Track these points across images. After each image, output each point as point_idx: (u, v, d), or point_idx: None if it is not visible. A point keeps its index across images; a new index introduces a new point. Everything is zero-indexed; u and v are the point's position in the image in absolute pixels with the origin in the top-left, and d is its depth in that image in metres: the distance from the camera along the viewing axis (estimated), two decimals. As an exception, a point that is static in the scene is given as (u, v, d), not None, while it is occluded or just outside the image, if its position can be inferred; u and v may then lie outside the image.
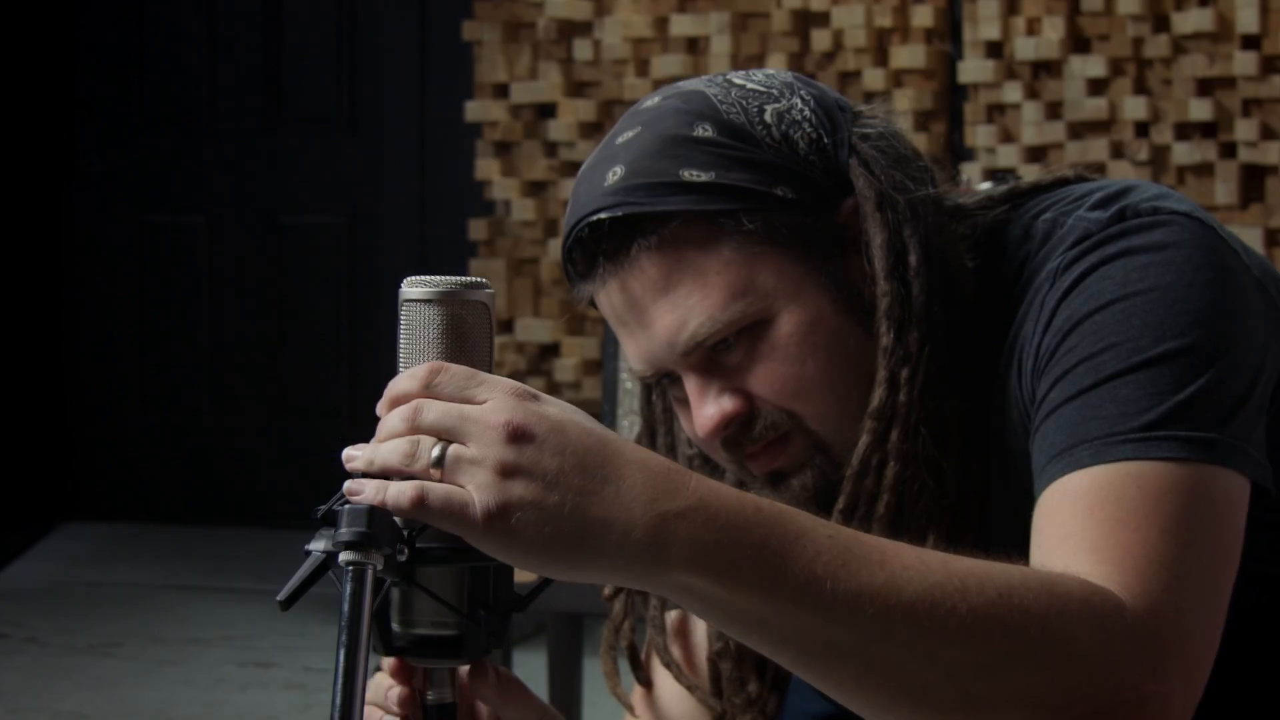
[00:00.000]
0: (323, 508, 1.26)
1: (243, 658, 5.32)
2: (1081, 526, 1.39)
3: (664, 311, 1.56)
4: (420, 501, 1.22)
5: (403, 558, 1.24)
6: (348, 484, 1.25)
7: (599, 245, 1.56)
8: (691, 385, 1.58)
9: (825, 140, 1.58)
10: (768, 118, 1.57)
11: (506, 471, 1.22)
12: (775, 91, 1.59)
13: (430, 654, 1.31)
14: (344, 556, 1.22)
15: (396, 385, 1.26)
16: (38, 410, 7.00)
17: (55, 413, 7.06)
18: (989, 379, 1.57)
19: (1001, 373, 1.56)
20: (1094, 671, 1.31)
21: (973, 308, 1.58)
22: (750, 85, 1.59)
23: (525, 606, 1.31)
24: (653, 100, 1.60)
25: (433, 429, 1.24)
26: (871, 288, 1.57)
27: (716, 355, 1.57)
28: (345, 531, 1.22)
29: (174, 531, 6.84)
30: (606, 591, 1.70)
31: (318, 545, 1.25)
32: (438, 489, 1.22)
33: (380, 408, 1.28)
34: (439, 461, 1.23)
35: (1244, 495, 1.44)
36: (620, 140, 1.58)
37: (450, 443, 1.23)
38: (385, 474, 1.24)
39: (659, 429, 1.72)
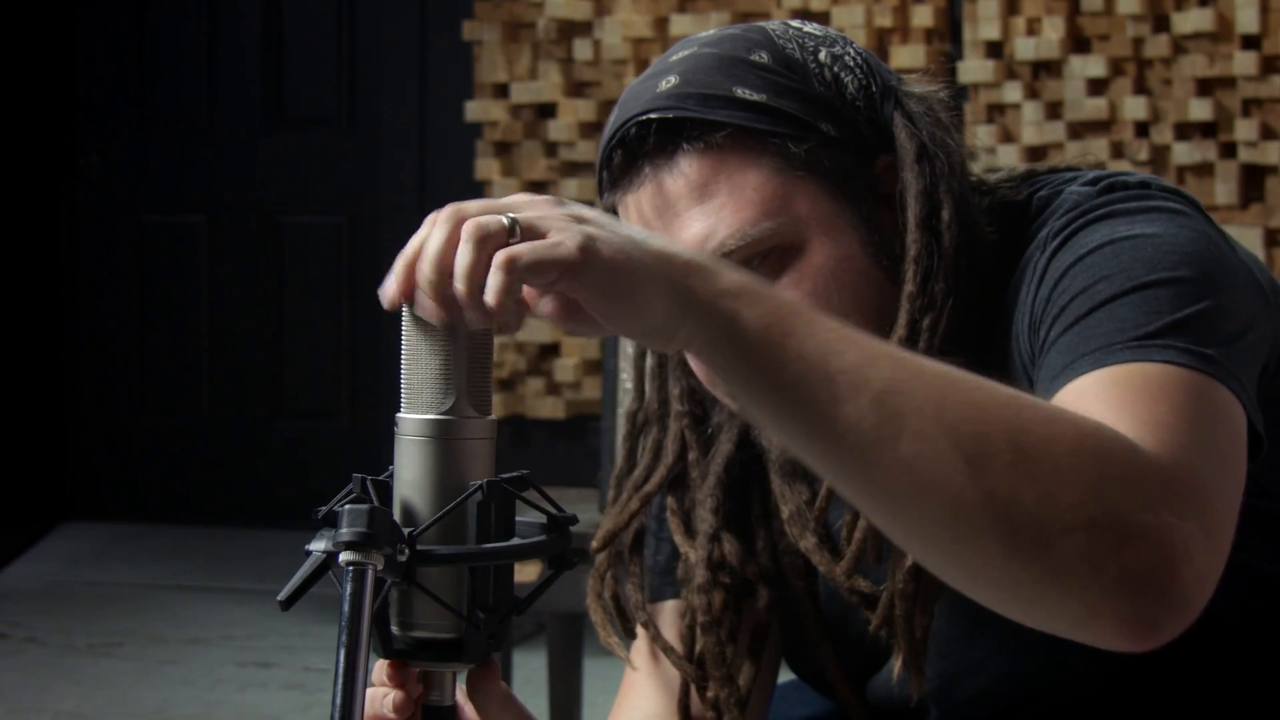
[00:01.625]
0: (323, 508, 1.26)
1: (243, 658, 5.32)
2: (1095, 407, 1.35)
3: (695, 219, 1.56)
4: (516, 258, 1.23)
5: (403, 558, 1.24)
6: (425, 274, 1.26)
7: (643, 145, 1.56)
8: None
9: (873, 89, 1.60)
10: (822, 57, 1.59)
11: (576, 218, 1.26)
12: (830, 38, 1.62)
13: (430, 656, 1.31)
14: (344, 556, 1.22)
15: (418, 236, 1.28)
16: (37, 410, 7.00)
17: (55, 413, 7.06)
18: (989, 347, 1.58)
19: (999, 340, 1.57)
20: (1112, 475, 1.27)
21: (990, 277, 1.59)
22: (807, 29, 1.63)
23: (525, 609, 1.31)
24: (709, 31, 1.63)
25: (485, 213, 1.26)
26: (901, 238, 1.59)
27: None
28: (345, 531, 1.22)
29: (174, 531, 6.84)
30: (595, 544, 1.71)
31: (318, 545, 1.25)
32: (524, 244, 1.24)
33: (406, 262, 1.28)
34: (513, 229, 1.25)
35: (1242, 421, 1.41)
36: (675, 58, 1.60)
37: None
38: (443, 268, 1.25)
39: (649, 384, 1.73)
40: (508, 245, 1.24)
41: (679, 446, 1.70)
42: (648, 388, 1.73)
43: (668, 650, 1.68)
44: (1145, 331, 1.42)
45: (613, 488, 1.74)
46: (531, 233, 1.25)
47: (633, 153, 1.57)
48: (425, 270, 1.26)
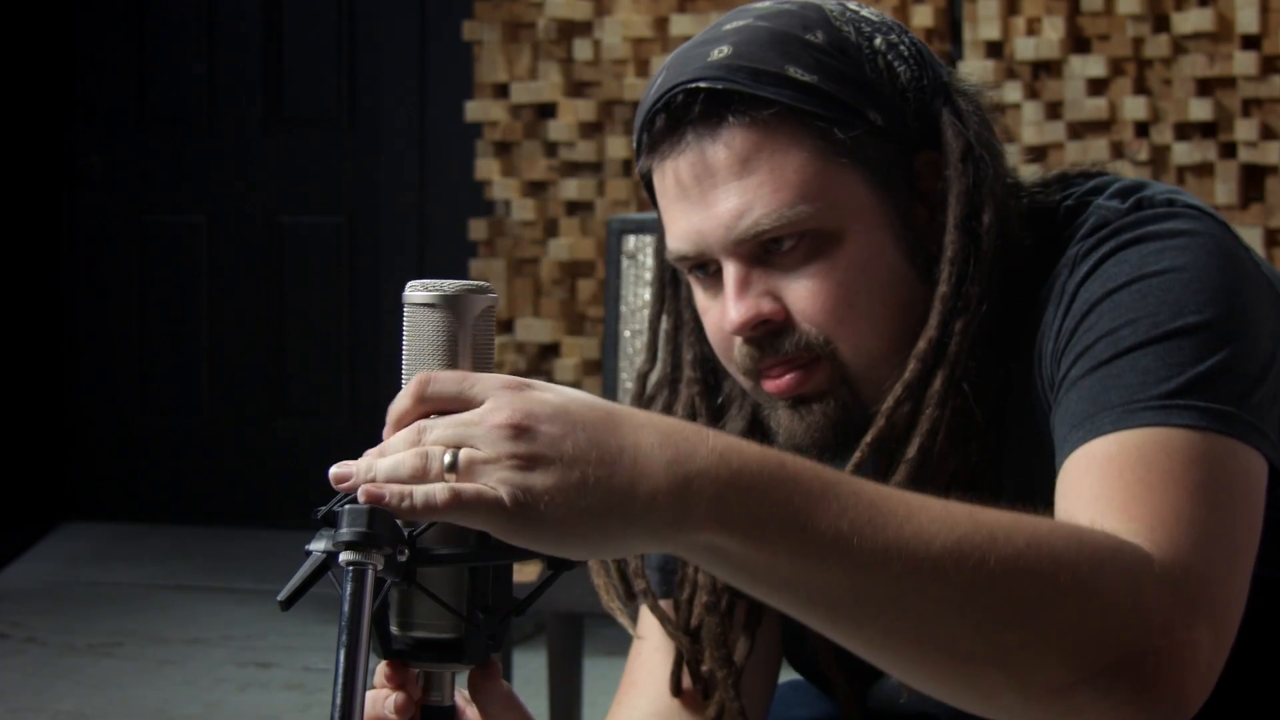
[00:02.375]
0: (323, 508, 1.26)
1: (243, 658, 5.32)
2: (1110, 489, 1.39)
3: (732, 193, 1.54)
4: (457, 499, 1.22)
5: (403, 558, 1.24)
6: (364, 488, 1.24)
7: (689, 112, 1.55)
8: (732, 275, 1.56)
9: (924, 82, 1.59)
10: (877, 44, 1.57)
11: (523, 463, 1.23)
12: (886, 25, 1.60)
13: (429, 657, 1.30)
14: (344, 556, 1.22)
15: (395, 406, 1.27)
16: (37, 410, 7.00)
17: (55, 413, 7.06)
18: (1016, 355, 1.57)
19: (1023, 357, 1.56)
20: (1123, 618, 1.31)
21: (1022, 283, 1.59)
22: (864, 12, 1.60)
23: (524, 610, 1.31)
24: (765, 3, 1.61)
25: (441, 440, 1.24)
26: (938, 237, 1.57)
27: (767, 254, 1.56)
28: (346, 531, 1.22)
29: (174, 531, 6.84)
30: None
31: (318, 545, 1.25)
32: (469, 486, 1.22)
33: (386, 433, 1.28)
34: (452, 467, 1.23)
35: (1262, 473, 1.45)
36: (728, 27, 1.58)
37: (459, 449, 1.23)
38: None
39: (664, 348, 1.70)
40: (442, 478, 1.23)
41: (688, 416, 1.68)
42: (661, 350, 1.71)
43: (665, 620, 1.67)
44: (1167, 389, 1.43)
45: None
46: (471, 477, 1.23)
47: (677, 119, 1.55)
48: (360, 479, 1.27)
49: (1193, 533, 1.36)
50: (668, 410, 1.69)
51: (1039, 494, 1.48)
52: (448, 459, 1.23)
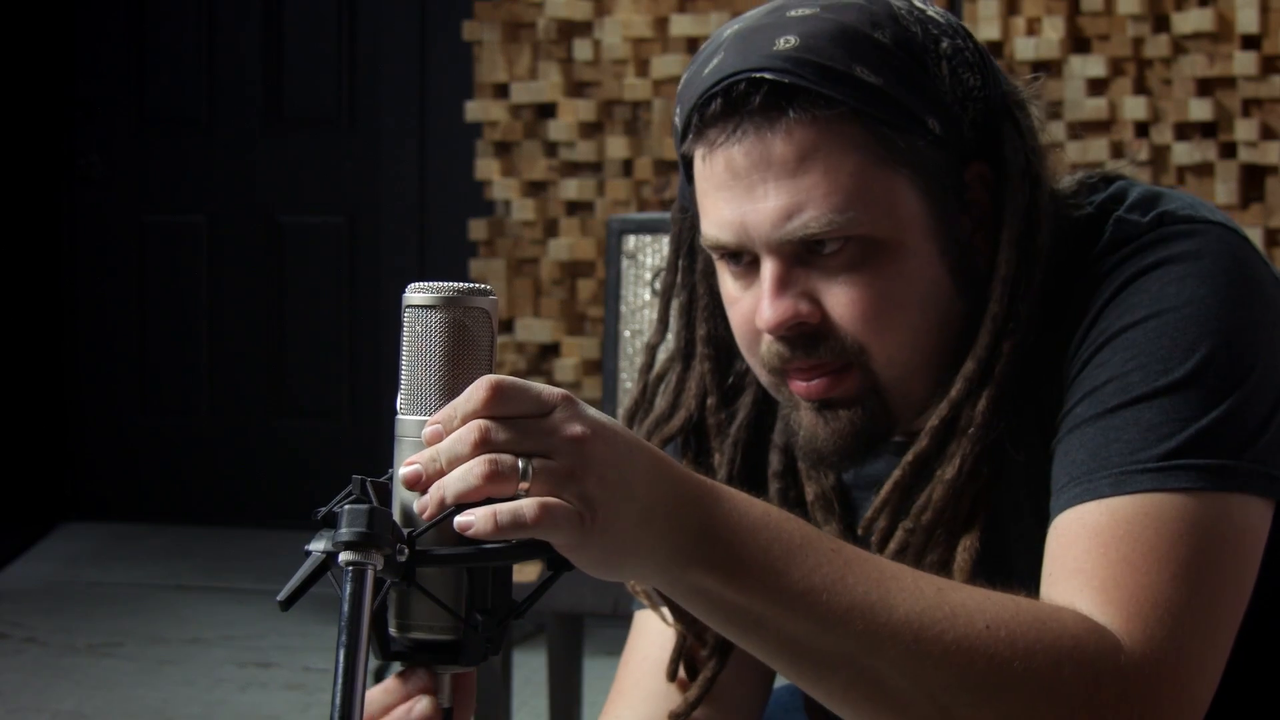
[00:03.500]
0: (323, 509, 1.26)
1: (243, 658, 5.32)
2: (1094, 564, 1.40)
3: (784, 190, 1.51)
4: (547, 514, 1.23)
5: (403, 558, 1.24)
6: (460, 519, 1.23)
7: (750, 102, 1.50)
8: (771, 272, 1.53)
9: (986, 92, 1.55)
10: (943, 47, 1.54)
11: (597, 478, 1.25)
12: (952, 28, 1.56)
13: (427, 658, 1.30)
14: (344, 557, 1.22)
15: (462, 406, 1.25)
16: (37, 410, 7.00)
17: (55, 413, 7.06)
18: (1049, 378, 1.55)
19: (1050, 373, 1.54)
20: (1075, 709, 1.34)
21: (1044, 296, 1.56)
22: (930, 12, 1.56)
23: (524, 613, 1.31)
24: None
25: (509, 447, 1.24)
26: (985, 253, 1.55)
27: (809, 254, 1.53)
28: (345, 531, 1.22)
29: (174, 531, 6.84)
30: None
31: (317, 545, 1.25)
32: (553, 500, 1.23)
33: (442, 430, 1.26)
34: (524, 475, 1.23)
35: (1264, 519, 1.45)
36: (793, 14, 1.53)
37: (530, 457, 1.24)
38: (460, 499, 1.24)
39: (677, 321, 1.68)
40: (515, 489, 1.23)
41: (700, 391, 1.66)
42: (674, 323, 1.68)
43: (656, 606, 1.67)
44: (1167, 449, 1.43)
45: (624, 420, 1.70)
46: (545, 488, 1.24)
47: (735, 106, 1.51)
48: (436, 464, 1.25)
49: (1169, 621, 1.37)
50: (679, 385, 1.67)
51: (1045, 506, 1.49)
52: (522, 466, 1.23)
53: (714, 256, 1.59)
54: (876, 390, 1.55)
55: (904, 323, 1.53)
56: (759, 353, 1.56)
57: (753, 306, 1.55)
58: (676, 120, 1.57)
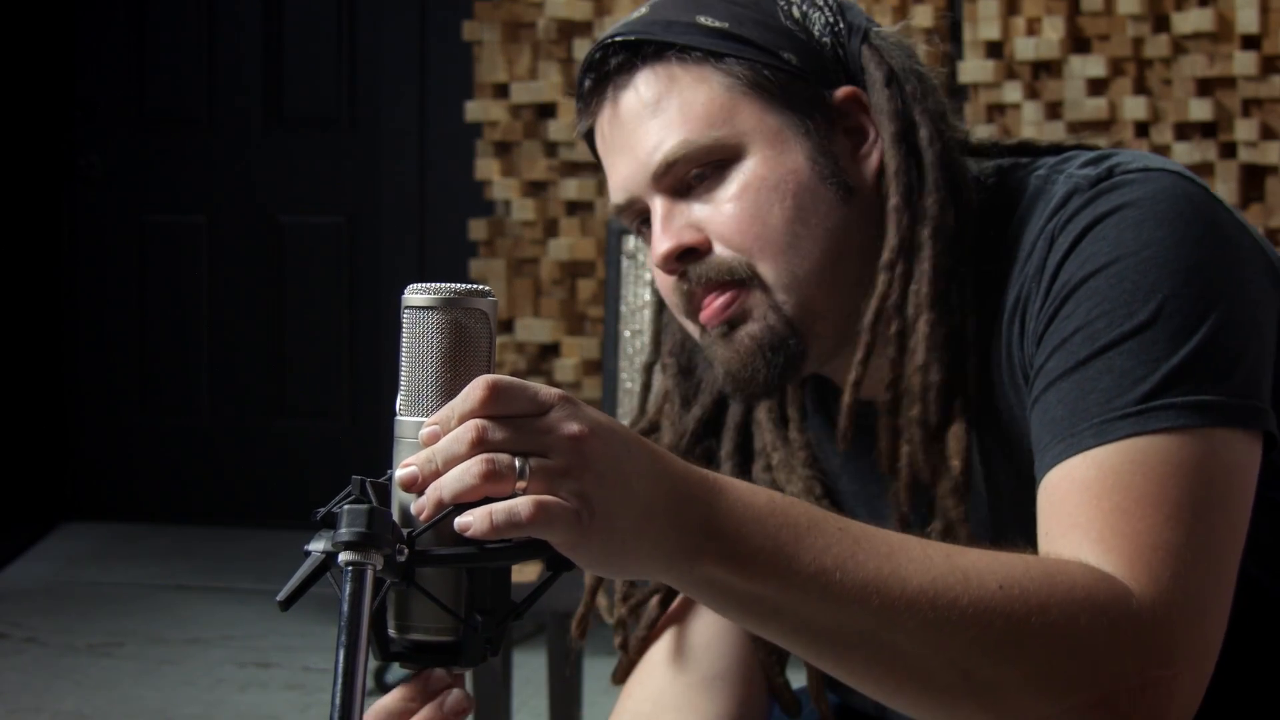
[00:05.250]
0: (323, 509, 1.26)
1: (243, 658, 5.32)
2: (1088, 517, 1.41)
3: (647, 132, 1.60)
4: (542, 513, 1.23)
5: (402, 558, 1.24)
6: (459, 520, 1.23)
7: (607, 65, 1.62)
8: (657, 212, 1.61)
9: (840, 26, 1.63)
10: None
11: (595, 476, 1.25)
12: None
13: (426, 660, 1.30)
14: (344, 557, 1.22)
15: (459, 406, 1.25)
16: (38, 410, 7.00)
17: (55, 413, 7.06)
18: (987, 328, 1.58)
19: (998, 325, 1.57)
20: (1097, 660, 1.34)
21: (976, 230, 1.60)
22: None
23: (523, 613, 1.31)
24: None
25: (506, 446, 1.24)
26: (880, 158, 1.60)
27: (688, 189, 1.60)
28: (345, 532, 1.22)
29: (174, 531, 6.84)
30: None
31: (317, 545, 1.25)
32: (549, 498, 1.23)
33: (439, 430, 1.26)
34: (522, 474, 1.23)
35: (1251, 453, 1.45)
36: None
37: (527, 456, 1.24)
38: (457, 498, 1.24)
39: (654, 337, 1.76)
40: (512, 488, 1.23)
41: (663, 399, 1.74)
42: (662, 339, 1.76)
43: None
44: (1143, 391, 1.44)
45: None
46: (544, 486, 1.24)
47: (600, 75, 1.63)
48: (432, 464, 1.25)
49: (1171, 562, 1.38)
50: (645, 392, 1.76)
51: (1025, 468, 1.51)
52: (519, 465, 1.24)
53: (631, 230, 1.68)
54: (775, 306, 1.59)
55: (781, 229, 1.58)
56: (675, 303, 1.63)
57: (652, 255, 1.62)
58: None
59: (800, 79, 1.60)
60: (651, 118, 1.60)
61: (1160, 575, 1.37)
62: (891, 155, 1.59)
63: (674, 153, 1.59)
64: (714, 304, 1.60)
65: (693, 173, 1.59)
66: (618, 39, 1.62)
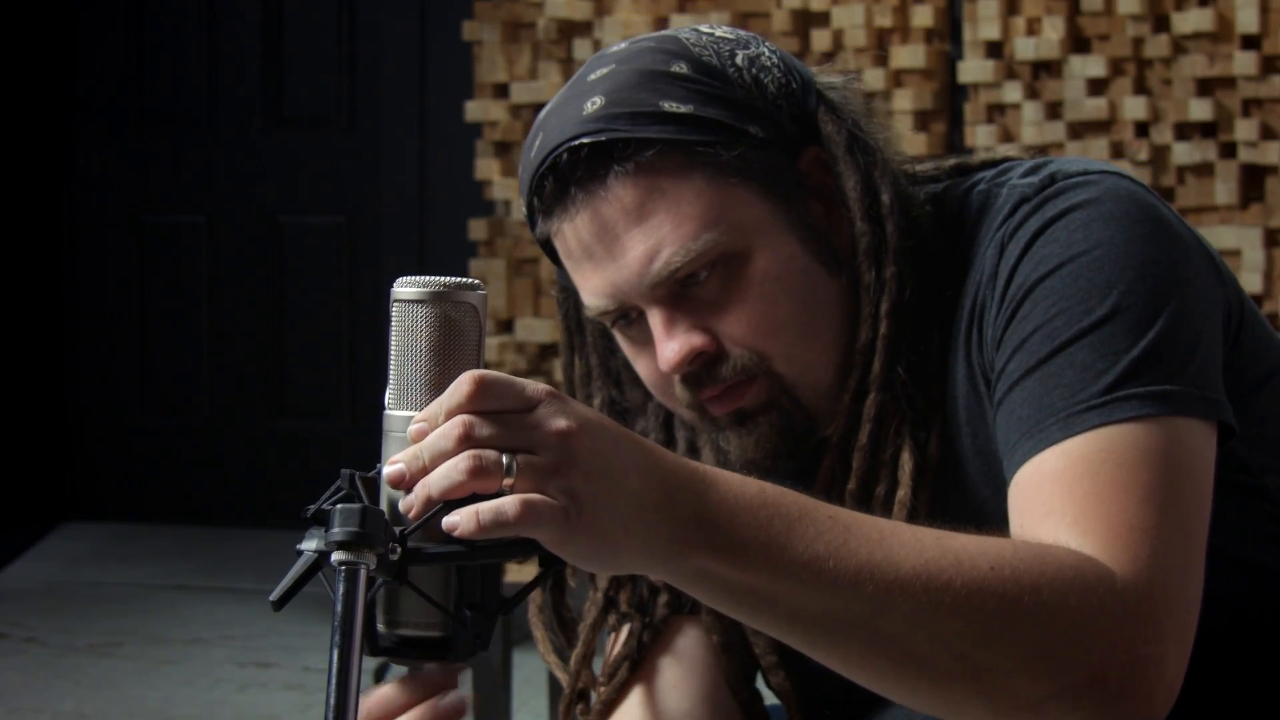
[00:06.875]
0: (312, 507, 1.26)
1: (243, 658, 5.32)
2: (1061, 504, 1.42)
3: (637, 241, 1.55)
4: (530, 511, 1.22)
5: (395, 557, 1.24)
6: (446, 520, 1.23)
7: (575, 172, 1.55)
8: (658, 319, 1.58)
9: (793, 85, 1.60)
10: (739, 61, 1.59)
11: (583, 472, 1.24)
12: (743, 40, 1.62)
13: (416, 655, 1.30)
14: (337, 556, 1.22)
15: (446, 402, 1.25)
16: (38, 410, 7.00)
17: (55, 413, 7.06)
18: (942, 340, 1.60)
19: (954, 341, 1.59)
20: (1088, 637, 1.35)
21: (941, 272, 1.61)
22: (719, 33, 1.62)
23: (512, 608, 1.31)
24: (620, 45, 1.62)
25: (493, 442, 1.24)
26: (847, 230, 1.60)
27: (685, 290, 1.57)
28: (338, 531, 1.22)
29: (174, 531, 6.84)
30: None
31: (309, 545, 1.25)
32: (536, 496, 1.23)
33: (426, 426, 1.26)
34: (508, 471, 1.23)
35: (1209, 441, 1.48)
36: (593, 77, 1.58)
37: (515, 452, 1.23)
38: (445, 495, 1.23)
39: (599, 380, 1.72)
40: (499, 485, 1.23)
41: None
42: (577, 396, 1.73)
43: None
44: (1106, 383, 1.45)
45: None
46: (531, 483, 1.23)
47: (564, 179, 1.55)
48: (419, 461, 1.25)
49: (1148, 541, 1.39)
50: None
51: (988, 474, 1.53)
52: (505, 461, 1.23)
53: (606, 325, 1.64)
54: (786, 389, 1.59)
55: (790, 320, 1.58)
56: (675, 396, 1.60)
57: (656, 357, 1.59)
58: (523, 211, 1.61)
59: (768, 150, 1.57)
60: (636, 224, 1.55)
61: (1139, 555, 1.38)
62: (863, 230, 1.58)
63: (674, 262, 1.55)
64: (724, 395, 1.59)
65: (692, 276, 1.56)
66: (586, 141, 1.54)
